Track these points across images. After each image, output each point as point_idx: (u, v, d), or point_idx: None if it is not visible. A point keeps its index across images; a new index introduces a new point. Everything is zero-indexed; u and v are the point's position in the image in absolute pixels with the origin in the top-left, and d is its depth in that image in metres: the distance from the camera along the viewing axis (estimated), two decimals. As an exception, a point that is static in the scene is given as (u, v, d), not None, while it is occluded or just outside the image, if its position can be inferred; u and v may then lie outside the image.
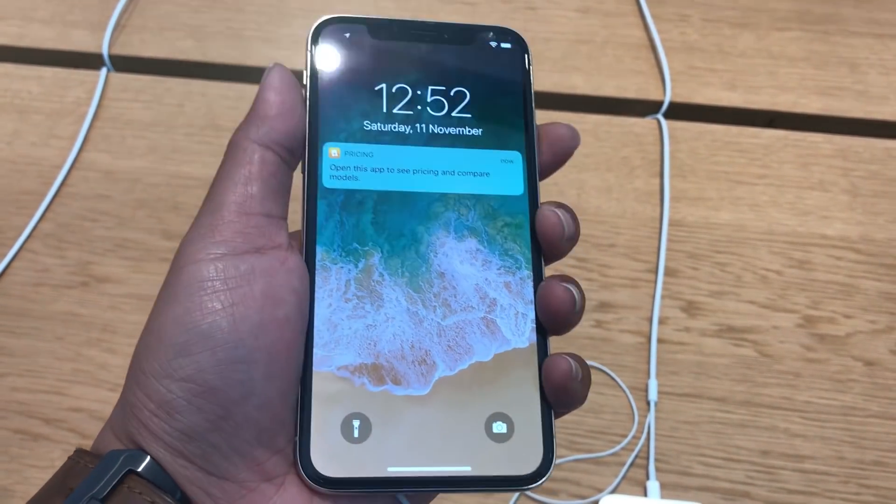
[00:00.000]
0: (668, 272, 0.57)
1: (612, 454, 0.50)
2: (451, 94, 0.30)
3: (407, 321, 0.27)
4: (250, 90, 0.66)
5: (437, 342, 0.27)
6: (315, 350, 0.26)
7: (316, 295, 0.26)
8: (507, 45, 0.31)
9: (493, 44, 0.31)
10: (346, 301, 0.27)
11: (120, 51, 0.69)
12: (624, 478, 0.49)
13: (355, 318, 0.26)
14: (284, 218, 0.26)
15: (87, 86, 0.67)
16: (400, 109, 0.29)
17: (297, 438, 0.25)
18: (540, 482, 0.26)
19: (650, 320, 0.55)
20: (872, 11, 0.71)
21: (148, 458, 0.23)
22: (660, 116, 0.65)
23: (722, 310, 0.55)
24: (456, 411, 0.26)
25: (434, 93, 0.30)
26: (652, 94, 0.66)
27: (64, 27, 0.71)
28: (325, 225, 0.27)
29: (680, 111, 0.66)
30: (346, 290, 0.27)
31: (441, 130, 0.29)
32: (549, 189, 0.60)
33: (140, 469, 0.23)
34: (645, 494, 0.49)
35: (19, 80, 0.67)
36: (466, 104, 0.30)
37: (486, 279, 0.28)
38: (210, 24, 0.71)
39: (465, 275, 0.28)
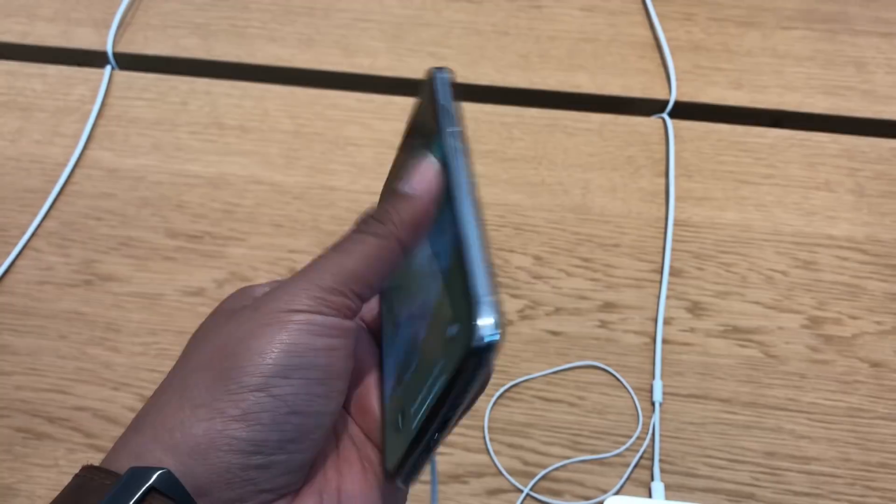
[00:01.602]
0: (674, 272, 0.57)
1: (617, 455, 0.50)
2: None
3: None
4: (254, 88, 0.66)
5: None
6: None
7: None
8: None
9: None
10: None
11: (124, 49, 0.69)
12: (629, 479, 0.49)
13: None
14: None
15: (92, 84, 0.67)
16: None
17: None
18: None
19: (655, 321, 0.55)
20: (879, 10, 0.71)
21: (167, 472, 0.24)
22: (665, 116, 0.65)
23: (727, 310, 0.55)
24: None
25: None
26: (657, 94, 0.66)
27: (68, 25, 0.71)
28: None
29: (685, 110, 0.65)
30: None
31: None
32: (553, 189, 0.60)
33: (160, 485, 0.23)
34: (650, 495, 0.48)
35: (24, 77, 0.67)
36: None
37: None
38: (214, 22, 0.71)
39: None
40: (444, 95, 0.28)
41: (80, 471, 0.25)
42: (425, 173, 0.27)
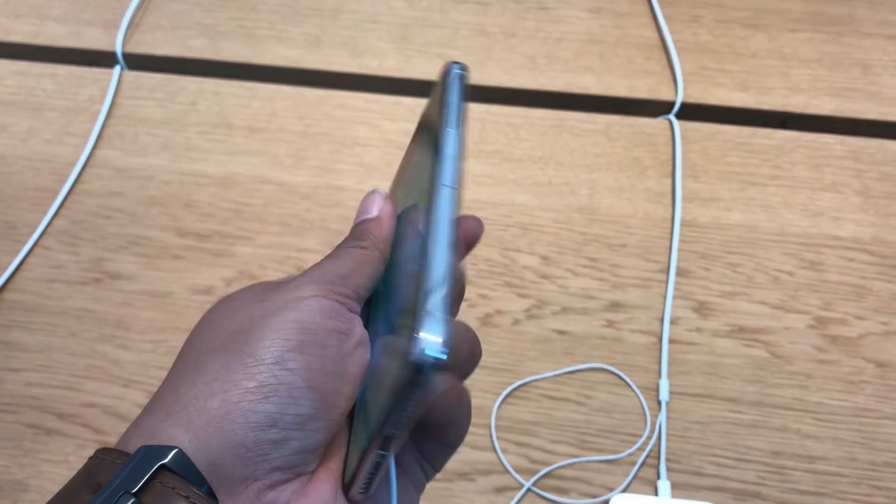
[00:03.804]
0: (680, 272, 0.57)
1: (624, 454, 0.50)
2: None
3: None
4: (262, 88, 0.67)
5: None
6: None
7: None
8: None
9: None
10: None
11: (133, 49, 0.70)
12: (635, 477, 0.49)
13: None
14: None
15: (101, 84, 0.67)
16: None
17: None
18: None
19: (661, 320, 0.55)
20: (885, 13, 0.71)
21: (177, 450, 0.24)
22: (672, 117, 0.65)
23: (733, 310, 0.55)
24: None
25: None
26: (664, 95, 0.66)
27: (78, 25, 0.71)
28: None
29: (692, 112, 0.66)
30: None
31: None
32: (559, 190, 0.61)
33: (170, 463, 0.23)
34: (656, 494, 0.49)
35: (34, 77, 0.68)
36: None
37: None
38: (223, 23, 0.71)
39: None
40: (452, 92, 0.28)
41: (95, 453, 0.25)
42: (374, 200, 0.31)
